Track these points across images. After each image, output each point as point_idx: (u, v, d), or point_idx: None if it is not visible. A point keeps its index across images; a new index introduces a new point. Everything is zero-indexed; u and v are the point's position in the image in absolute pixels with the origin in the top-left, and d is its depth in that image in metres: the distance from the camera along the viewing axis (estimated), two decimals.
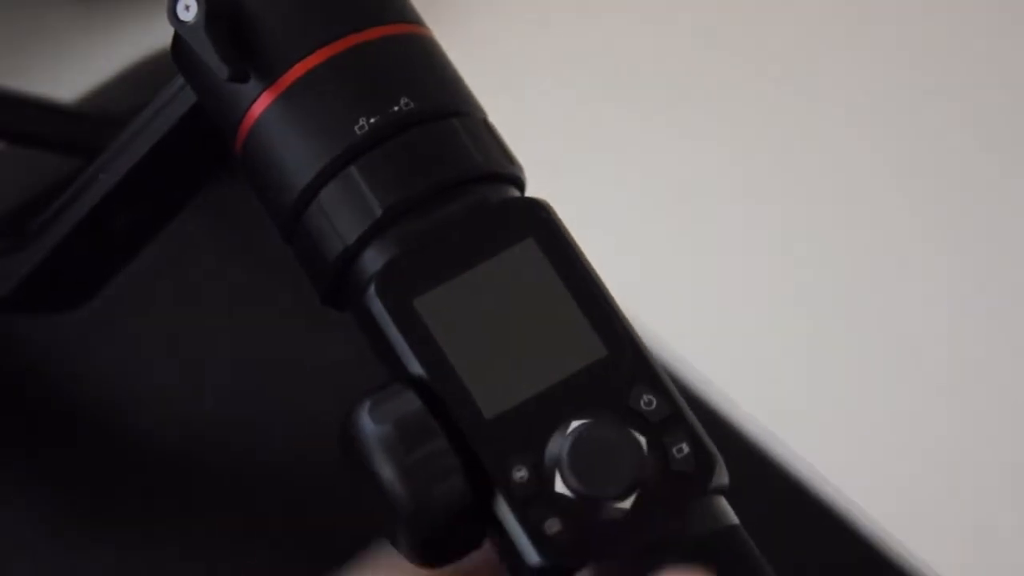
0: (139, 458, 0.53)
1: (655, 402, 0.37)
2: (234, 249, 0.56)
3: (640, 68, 0.65)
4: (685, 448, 0.37)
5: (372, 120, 0.39)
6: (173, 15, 0.40)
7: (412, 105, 0.40)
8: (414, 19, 0.42)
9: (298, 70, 0.40)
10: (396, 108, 0.40)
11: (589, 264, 0.39)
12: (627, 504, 0.36)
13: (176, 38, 0.41)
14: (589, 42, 0.65)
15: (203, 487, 0.53)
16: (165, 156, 0.45)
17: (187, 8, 0.40)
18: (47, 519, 0.51)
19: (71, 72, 0.57)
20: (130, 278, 0.50)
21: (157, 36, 0.56)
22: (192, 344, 0.55)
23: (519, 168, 0.41)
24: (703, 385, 0.55)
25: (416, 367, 0.37)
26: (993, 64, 0.67)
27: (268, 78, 0.40)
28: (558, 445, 0.36)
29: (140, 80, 0.57)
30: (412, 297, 0.38)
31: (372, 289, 0.38)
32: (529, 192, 0.42)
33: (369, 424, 0.37)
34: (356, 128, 0.39)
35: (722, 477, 0.37)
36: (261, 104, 0.40)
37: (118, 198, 0.46)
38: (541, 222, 0.39)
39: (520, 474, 0.36)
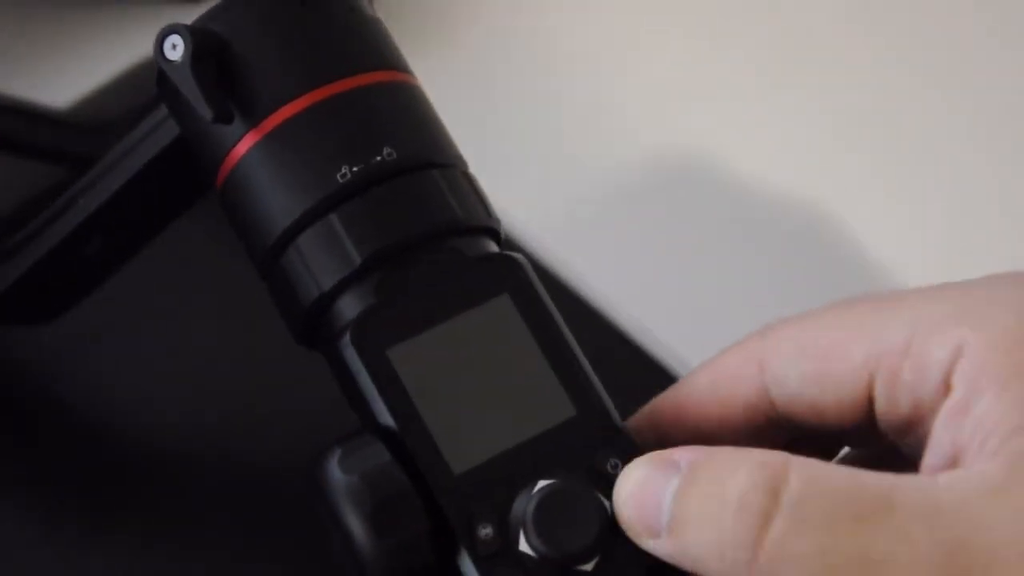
0: (135, 464, 0.53)
1: (620, 465, 0.37)
2: (230, 252, 0.56)
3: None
4: None
5: (355, 169, 0.40)
6: (160, 53, 0.40)
7: (394, 155, 0.40)
8: (400, 66, 0.42)
9: (282, 114, 0.40)
10: (379, 158, 0.40)
11: (562, 323, 0.39)
12: (589, 567, 0.36)
13: (162, 72, 0.42)
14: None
15: (201, 493, 0.53)
16: (146, 183, 0.45)
17: (174, 47, 0.40)
18: (43, 524, 0.51)
19: (58, 78, 0.57)
20: (127, 281, 0.50)
21: (144, 45, 0.57)
22: (189, 348, 0.55)
23: (496, 221, 0.42)
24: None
25: (386, 418, 0.38)
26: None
27: (252, 120, 0.40)
28: (523, 504, 0.36)
29: (131, 88, 0.57)
30: (386, 347, 0.38)
31: (347, 337, 0.38)
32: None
33: (337, 473, 0.37)
34: (338, 176, 0.40)
35: None
36: (244, 145, 0.41)
37: (96, 223, 0.46)
38: (517, 279, 0.39)
39: (485, 531, 0.36)
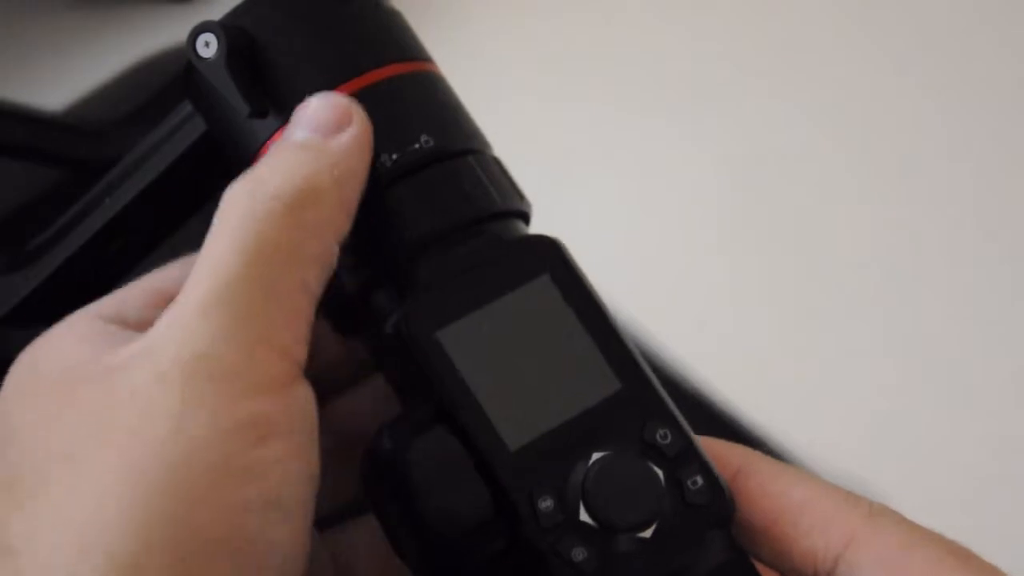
0: None
1: (670, 436, 0.38)
2: None
3: (633, 69, 0.66)
4: (699, 480, 0.38)
5: (394, 157, 0.40)
6: (193, 51, 0.41)
7: (432, 143, 0.41)
8: (425, 56, 0.43)
9: None
10: (417, 145, 0.41)
11: (601, 301, 0.40)
12: (647, 534, 0.37)
13: (188, 70, 0.42)
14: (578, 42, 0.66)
15: None
16: (170, 183, 0.45)
17: (207, 45, 0.41)
18: None
19: (54, 82, 0.57)
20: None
21: (140, 46, 0.57)
22: None
23: (528, 204, 0.43)
24: (705, 386, 0.57)
25: (440, 398, 0.38)
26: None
27: (286, 113, 0.41)
28: (580, 476, 0.37)
29: (124, 90, 0.57)
30: (435, 329, 0.39)
31: (394, 322, 0.39)
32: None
33: (403, 454, 0.37)
34: (377, 164, 0.40)
35: (732, 508, 0.39)
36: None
37: (121, 223, 0.46)
38: (556, 259, 0.40)
39: (546, 504, 0.37)
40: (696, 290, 0.60)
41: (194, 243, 0.52)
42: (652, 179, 0.63)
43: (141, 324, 0.40)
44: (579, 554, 0.37)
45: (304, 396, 0.38)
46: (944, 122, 0.66)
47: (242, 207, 0.38)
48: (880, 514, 0.38)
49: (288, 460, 0.37)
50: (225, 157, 0.43)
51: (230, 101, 0.40)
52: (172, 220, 0.48)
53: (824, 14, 0.69)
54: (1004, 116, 0.68)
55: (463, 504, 0.37)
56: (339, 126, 0.40)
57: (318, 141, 0.40)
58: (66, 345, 0.40)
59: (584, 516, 0.37)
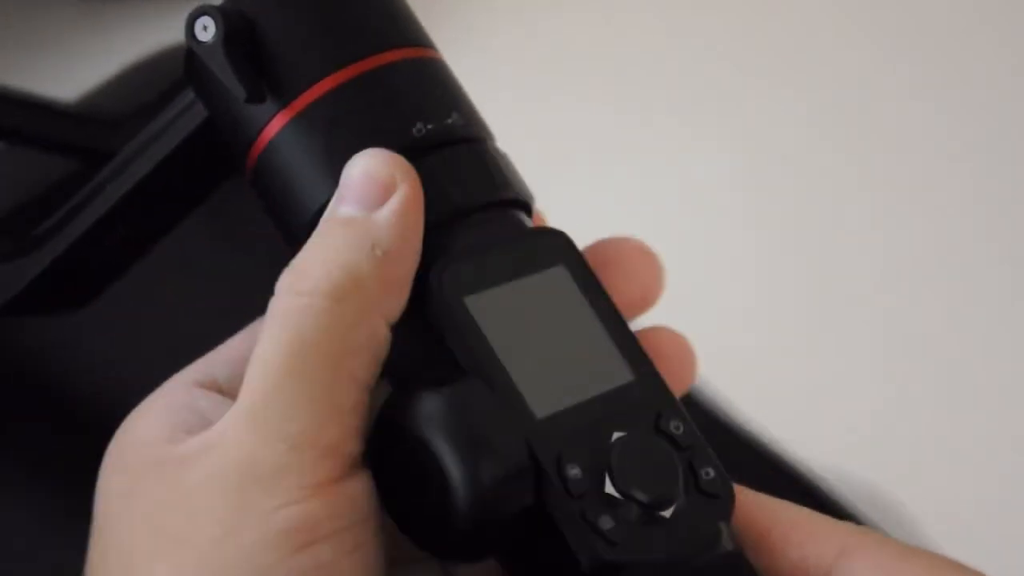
0: None
1: (683, 428, 0.39)
2: (238, 248, 0.57)
3: (633, 67, 0.67)
4: (712, 472, 0.38)
5: (429, 127, 0.40)
6: (191, 35, 0.41)
7: (463, 122, 0.41)
8: (431, 44, 0.43)
9: (318, 89, 0.41)
10: (449, 120, 0.41)
11: (610, 296, 0.41)
12: (668, 513, 0.37)
13: (189, 55, 0.42)
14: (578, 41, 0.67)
15: None
16: (173, 169, 0.46)
17: (205, 28, 0.41)
18: (48, 518, 0.52)
19: (70, 71, 0.58)
20: (135, 277, 0.50)
21: (156, 37, 0.57)
22: (196, 344, 0.56)
23: (533, 199, 0.43)
24: (705, 386, 0.57)
25: (469, 361, 0.38)
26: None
27: (284, 98, 0.41)
28: (606, 450, 0.38)
29: (139, 81, 0.57)
30: (465, 293, 0.39)
31: (428, 281, 0.39)
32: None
33: (442, 408, 0.37)
34: (414, 131, 0.40)
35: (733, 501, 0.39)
36: (278, 123, 0.41)
37: (124, 210, 0.46)
38: (570, 252, 0.41)
39: (574, 471, 0.37)
40: (695, 289, 0.61)
41: (199, 232, 0.53)
42: (651, 179, 0.64)
43: (232, 388, 0.40)
44: (607, 522, 0.37)
45: (355, 490, 0.37)
46: (945, 122, 0.67)
47: (283, 304, 0.38)
48: (869, 532, 0.39)
49: (337, 562, 0.36)
50: (225, 143, 0.43)
51: (227, 85, 0.41)
52: (177, 208, 0.49)
53: (824, 14, 0.69)
54: (1006, 116, 0.68)
55: (505, 449, 0.37)
56: (382, 196, 0.39)
57: (360, 218, 0.39)
58: (152, 419, 0.40)
59: (610, 488, 0.37)
